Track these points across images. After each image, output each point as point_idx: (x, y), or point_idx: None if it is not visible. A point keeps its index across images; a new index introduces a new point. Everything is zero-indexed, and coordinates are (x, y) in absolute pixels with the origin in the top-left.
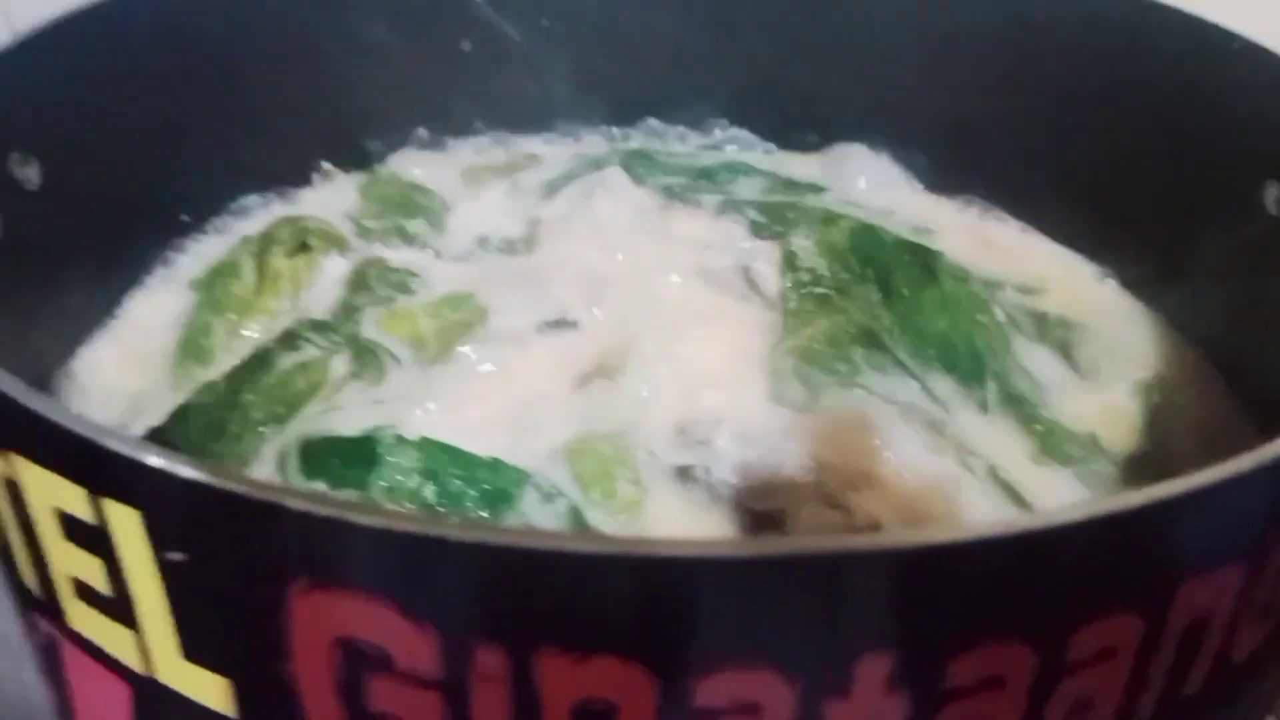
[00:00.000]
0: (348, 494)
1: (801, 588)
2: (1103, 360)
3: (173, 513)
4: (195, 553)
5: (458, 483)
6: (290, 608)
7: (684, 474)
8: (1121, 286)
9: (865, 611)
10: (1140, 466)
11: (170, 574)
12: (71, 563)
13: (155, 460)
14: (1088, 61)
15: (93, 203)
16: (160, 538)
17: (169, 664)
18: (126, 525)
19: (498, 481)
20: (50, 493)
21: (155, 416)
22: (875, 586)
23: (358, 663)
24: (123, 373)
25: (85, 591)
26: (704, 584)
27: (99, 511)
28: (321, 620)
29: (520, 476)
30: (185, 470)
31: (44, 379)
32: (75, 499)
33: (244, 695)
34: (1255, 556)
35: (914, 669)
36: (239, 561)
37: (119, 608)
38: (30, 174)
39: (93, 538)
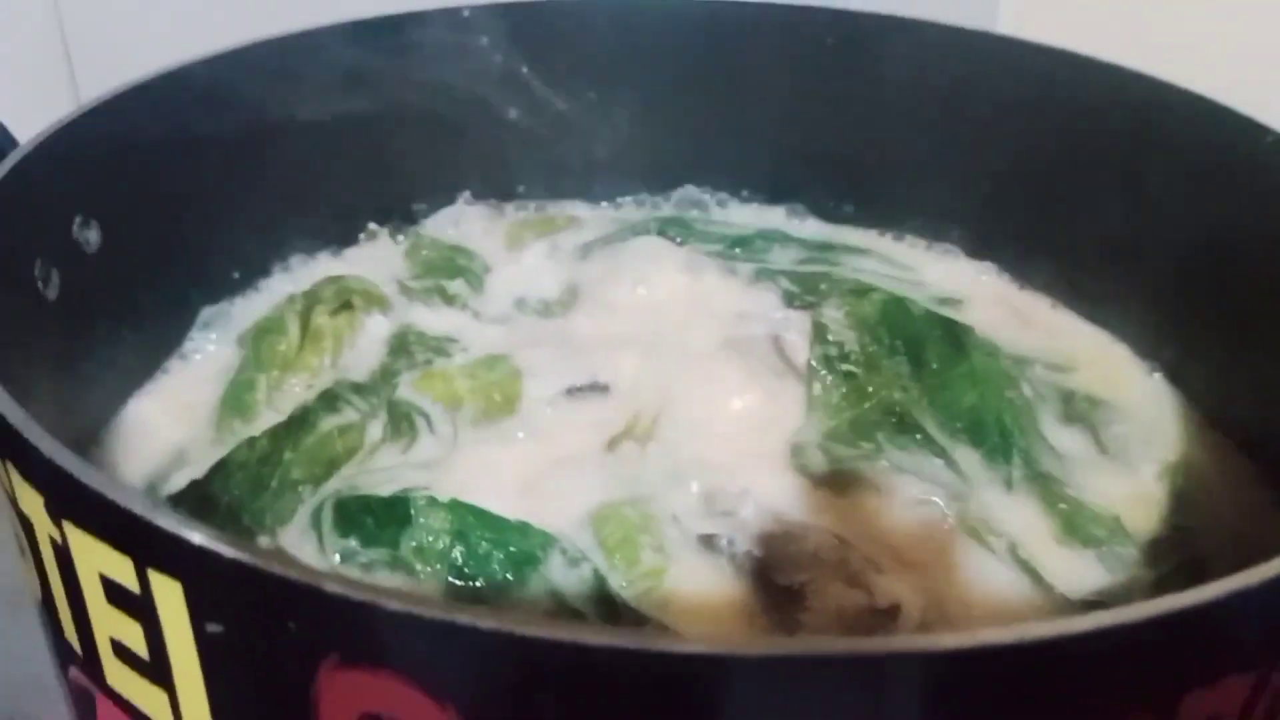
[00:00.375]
0: (378, 553)
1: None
2: (1130, 441)
3: (214, 587)
4: (232, 625)
5: (485, 545)
6: (319, 683)
7: (708, 543)
8: (1152, 369)
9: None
10: (1164, 551)
11: (207, 643)
12: (113, 625)
13: (199, 539)
14: (1124, 145)
15: (147, 263)
16: (200, 609)
17: None
18: (168, 595)
19: (525, 545)
20: (97, 559)
21: (197, 469)
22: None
23: None
24: (169, 425)
25: (124, 653)
26: (724, 680)
27: (143, 580)
28: (349, 697)
29: (547, 540)
30: (227, 550)
31: (94, 430)
32: (121, 567)
33: None
34: (1261, 670)
35: None
36: (274, 636)
37: (155, 670)
38: (90, 236)
39: (135, 604)
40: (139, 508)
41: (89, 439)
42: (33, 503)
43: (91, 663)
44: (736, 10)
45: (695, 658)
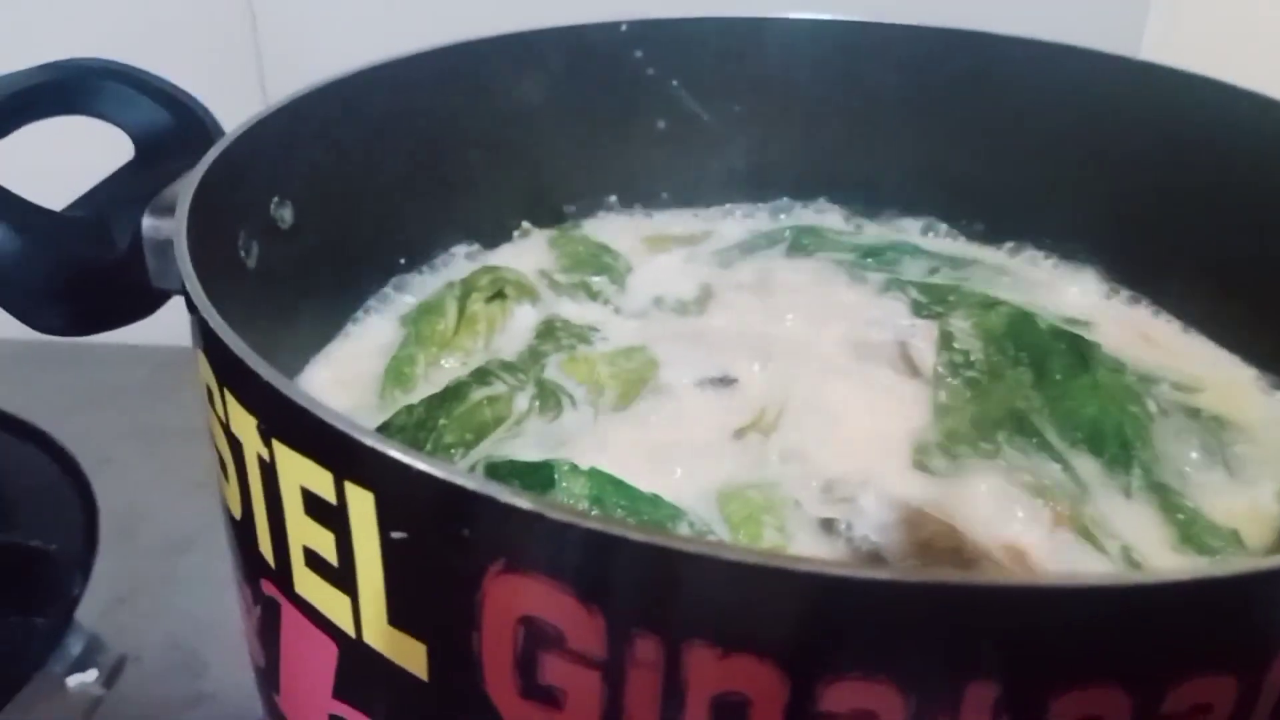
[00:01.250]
0: None
1: (923, 614)
2: (1252, 461)
3: (402, 497)
4: (415, 533)
5: (620, 511)
6: (486, 586)
7: (828, 526)
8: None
9: (978, 642)
10: None
11: (391, 550)
12: (308, 534)
13: (395, 453)
14: (1258, 172)
15: (329, 244)
16: (388, 518)
17: (376, 628)
18: (361, 505)
19: (656, 514)
20: (300, 473)
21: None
22: (988, 621)
23: (535, 639)
24: (338, 391)
25: (315, 561)
26: (837, 601)
27: (340, 493)
28: (510, 600)
29: (676, 512)
30: (418, 463)
31: None
32: (321, 480)
33: (436, 660)
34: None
35: (1019, 701)
36: (449, 543)
37: (342, 577)
38: (285, 215)
39: (330, 514)
40: (343, 425)
41: None
42: (245, 425)
43: (283, 573)
44: (879, 31)
45: (810, 576)
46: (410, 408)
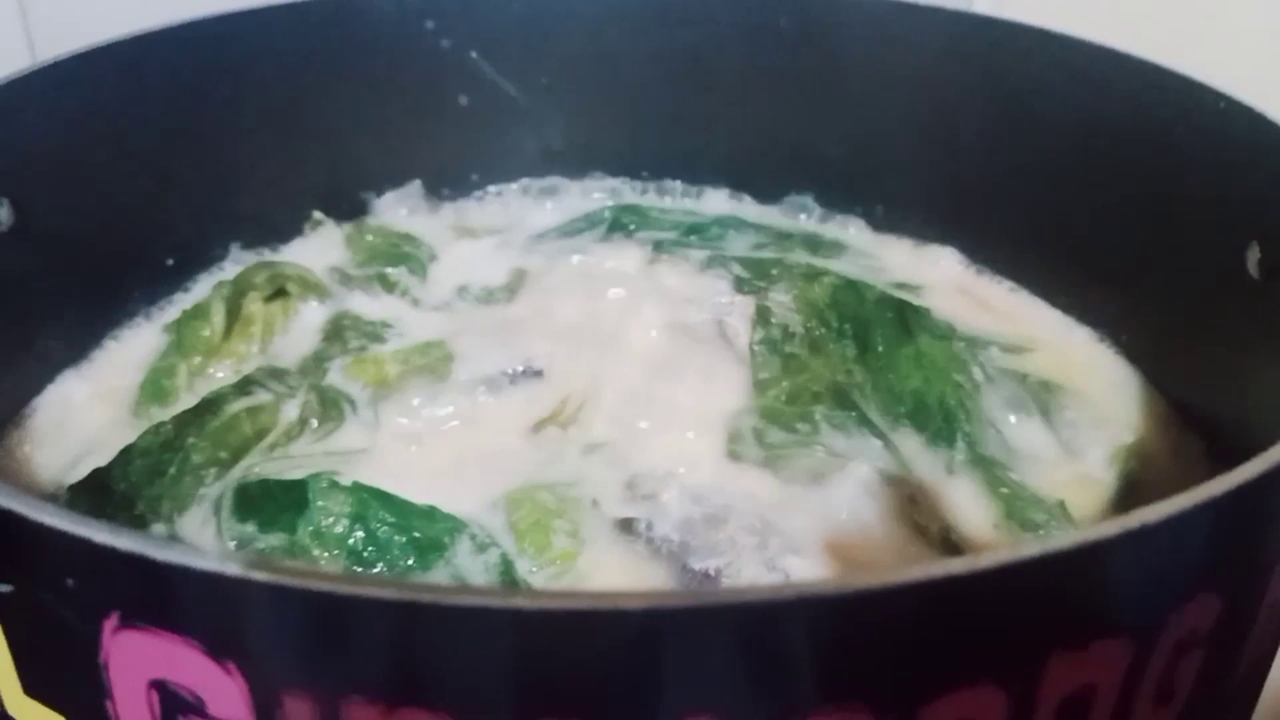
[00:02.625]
0: (275, 538)
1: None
2: (1082, 426)
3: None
4: (19, 584)
5: (386, 529)
6: (105, 645)
7: (626, 527)
8: (1111, 350)
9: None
10: None
11: (2, 607)
12: None
13: None
14: (1078, 121)
15: (69, 246)
16: None
17: (14, 699)
18: None
19: (430, 530)
20: None
21: (107, 455)
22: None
23: (173, 706)
24: (90, 411)
25: None
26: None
27: None
28: (136, 660)
29: (454, 525)
30: (9, 502)
31: (16, 408)
32: None
33: None
34: (1143, 633)
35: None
36: (58, 595)
37: None
38: (1, 214)
39: None
40: None
41: (6, 419)
42: None
43: None
44: None
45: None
46: (159, 426)
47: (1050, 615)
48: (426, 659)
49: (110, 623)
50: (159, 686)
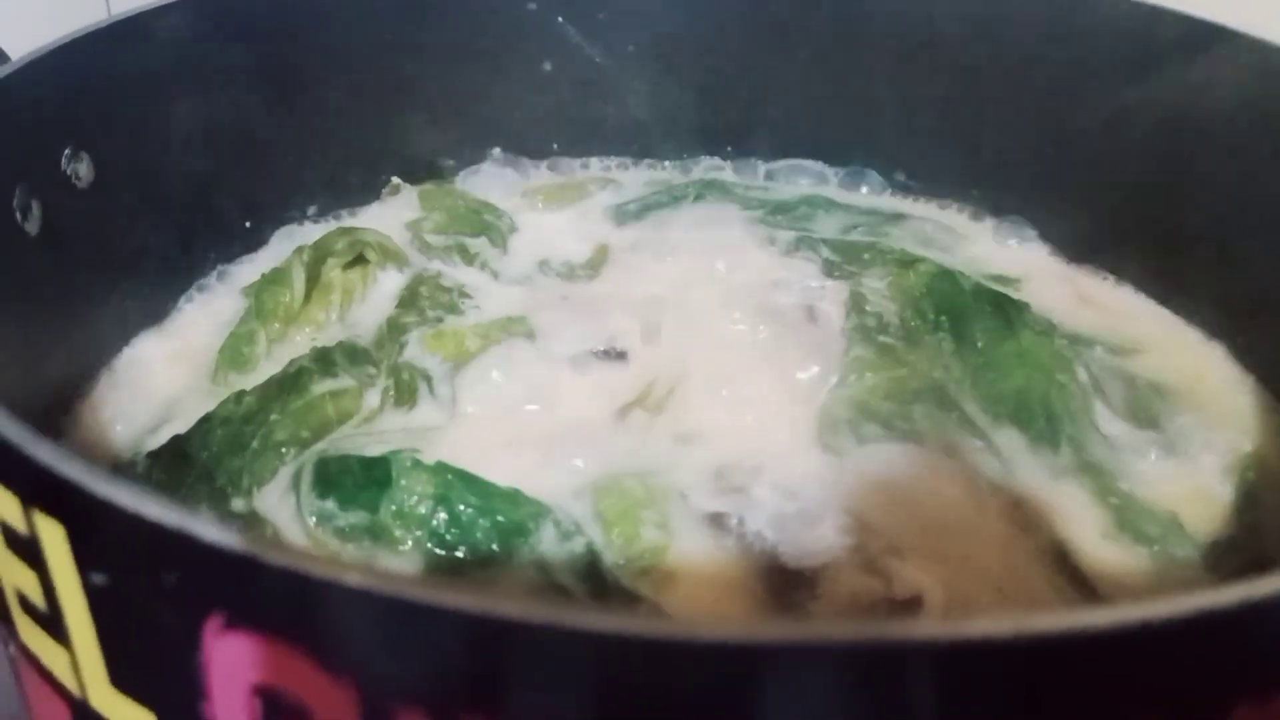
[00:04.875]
0: (356, 516)
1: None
2: (1195, 433)
3: (94, 531)
4: (116, 577)
5: (470, 511)
6: (205, 646)
7: (716, 521)
8: (1225, 353)
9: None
10: (1225, 553)
11: (95, 596)
12: (13, 573)
13: (77, 475)
14: (1189, 109)
15: (147, 204)
16: (85, 557)
17: (100, 691)
18: (54, 540)
19: (514, 513)
20: None
21: (185, 422)
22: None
23: (278, 715)
24: (168, 373)
25: (27, 605)
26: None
27: (30, 523)
28: (239, 664)
29: (539, 510)
30: (102, 488)
31: (93, 370)
32: (10, 507)
33: None
34: None
35: None
36: (157, 591)
37: (53, 625)
38: (81, 170)
39: (26, 549)
40: (14, 436)
41: (84, 378)
42: None
43: (6, 617)
44: None
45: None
46: (240, 395)
47: (1238, 665)
48: (555, 680)
49: (213, 623)
50: (263, 693)
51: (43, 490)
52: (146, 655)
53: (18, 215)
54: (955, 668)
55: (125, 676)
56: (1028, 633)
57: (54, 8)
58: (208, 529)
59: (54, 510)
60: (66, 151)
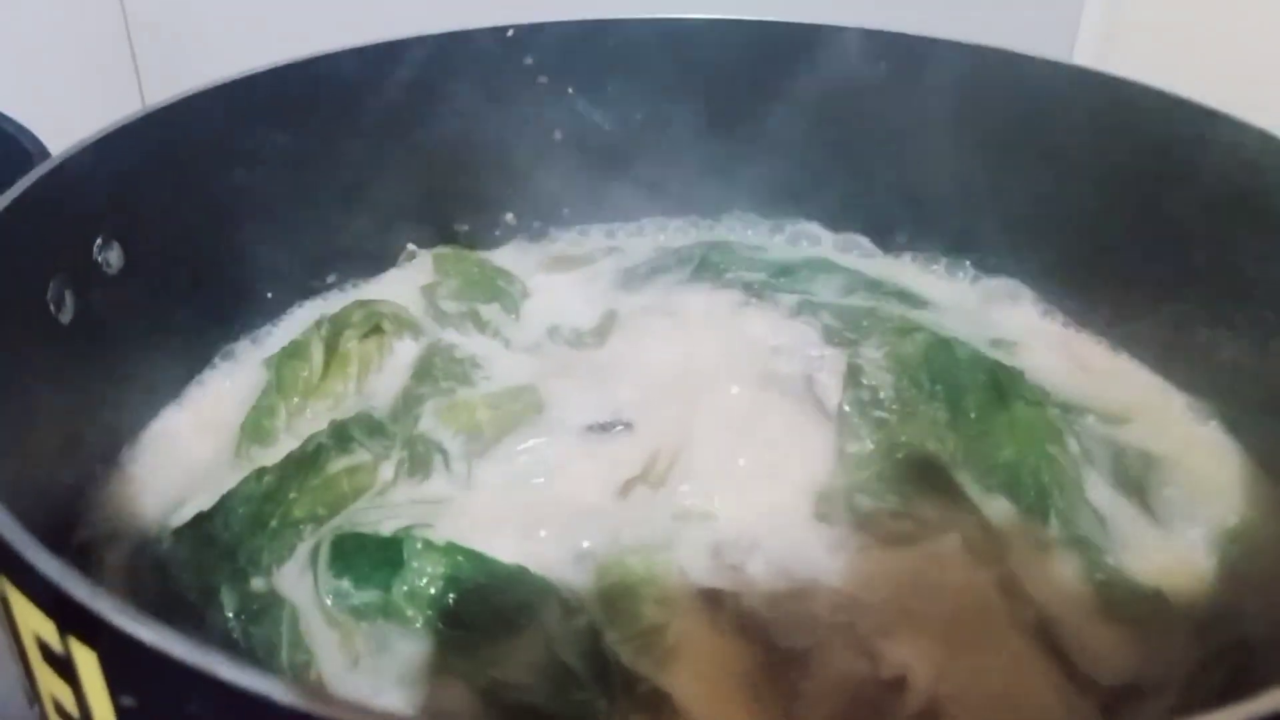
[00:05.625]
0: (370, 595)
1: None
2: (1181, 504)
3: (123, 659)
4: (143, 703)
5: (479, 591)
6: None
7: (713, 599)
8: (1217, 424)
9: None
10: (1207, 630)
11: (124, 715)
12: (50, 683)
13: (108, 613)
14: (1193, 185)
15: (173, 283)
16: (116, 681)
17: None
18: (87, 663)
19: (520, 593)
20: (32, 620)
21: (210, 494)
22: None
23: None
24: (194, 445)
25: (62, 713)
26: None
27: (65, 645)
28: None
29: (544, 588)
30: (130, 625)
31: (120, 444)
32: (48, 630)
33: None
34: None
35: None
36: (181, 717)
37: None
38: (112, 258)
39: (62, 666)
40: (54, 573)
41: (114, 451)
42: None
43: (44, 714)
44: (787, 31)
45: None
46: (261, 473)
47: None
48: None
49: None
50: None
51: (77, 622)
52: None
53: (52, 307)
54: None
55: None
56: None
57: (86, 86)
58: (224, 668)
59: (87, 639)
60: (98, 241)
